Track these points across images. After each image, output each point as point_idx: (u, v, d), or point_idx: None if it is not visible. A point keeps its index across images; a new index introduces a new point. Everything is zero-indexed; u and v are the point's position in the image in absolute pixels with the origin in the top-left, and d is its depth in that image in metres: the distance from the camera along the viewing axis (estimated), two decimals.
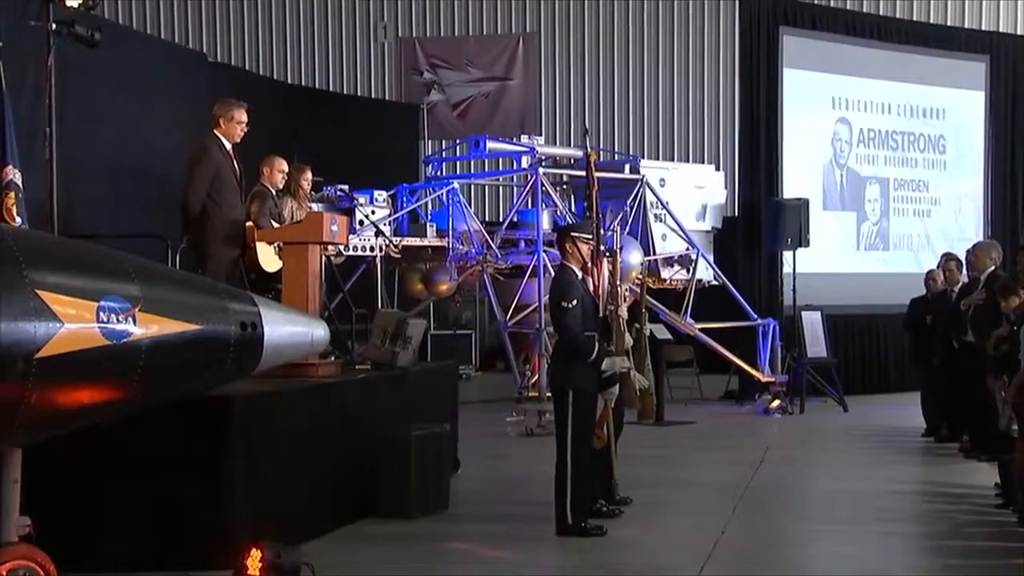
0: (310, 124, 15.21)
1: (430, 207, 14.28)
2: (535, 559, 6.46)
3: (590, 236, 6.90)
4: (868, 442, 11.18)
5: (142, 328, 4.60)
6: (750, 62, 14.95)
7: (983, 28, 17.32)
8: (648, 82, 17.88)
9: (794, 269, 14.09)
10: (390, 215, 13.21)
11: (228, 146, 8.21)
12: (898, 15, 17.22)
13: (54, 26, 8.29)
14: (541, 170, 13.63)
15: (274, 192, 9.20)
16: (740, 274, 14.77)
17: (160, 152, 11.70)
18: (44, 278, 4.34)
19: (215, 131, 8.23)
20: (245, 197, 8.50)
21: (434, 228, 13.70)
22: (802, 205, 14.31)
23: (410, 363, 8.08)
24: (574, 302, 6.62)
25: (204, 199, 8.01)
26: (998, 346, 7.81)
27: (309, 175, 9.84)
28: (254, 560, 5.25)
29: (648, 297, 12.33)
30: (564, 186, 14.96)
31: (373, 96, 18.40)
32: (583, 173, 11.21)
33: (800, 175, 15.13)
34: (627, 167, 14.41)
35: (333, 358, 7.84)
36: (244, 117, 8.22)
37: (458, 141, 16.01)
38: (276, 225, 8.69)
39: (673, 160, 16.94)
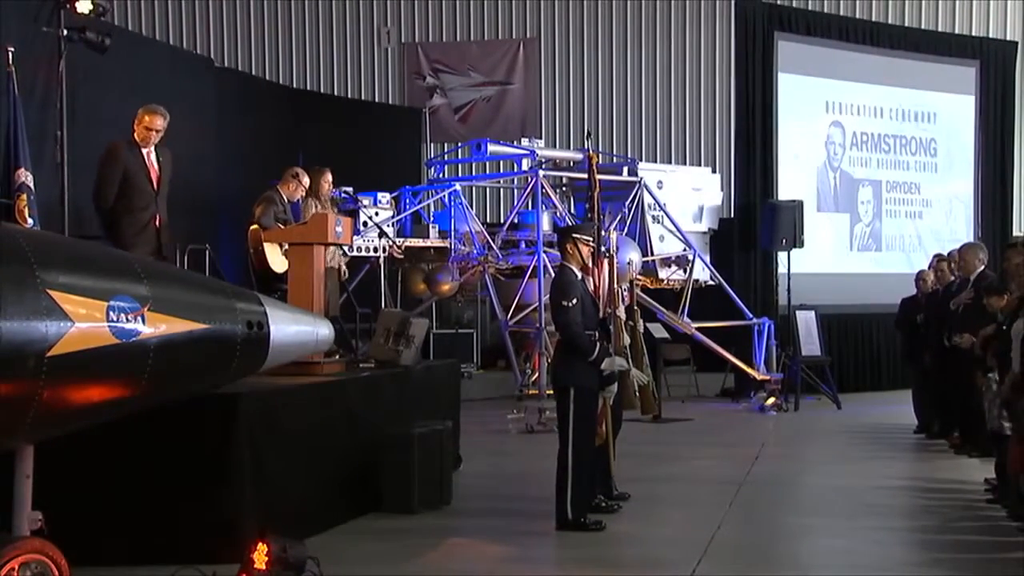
0: (315, 128, 15.21)
1: (432, 209, 14.42)
2: (535, 553, 6.52)
3: (590, 238, 6.98)
4: (861, 438, 11.24)
5: (151, 327, 4.68)
6: (746, 67, 15.01)
7: (973, 34, 17.31)
8: (646, 86, 17.91)
9: (789, 269, 14.19)
10: (393, 216, 13.34)
11: (144, 149, 8.12)
12: (890, 21, 17.19)
13: (65, 32, 8.42)
14: (541, 172, 13.72)
15: (288, 201, 9.27)
16: (736, 274, 14.82)
17: None
18: (55, 278, 4.41)
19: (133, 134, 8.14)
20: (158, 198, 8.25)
21: (436, 229, 13.81)
22: (796, 207, 14.39)
23: (413, 361, 8.15)
24: (574, 301, 6.68)
25: (112, 201, 7.98)
26: (985, 345, 7.90)
27: (329, 176, 9.91)
28: (260, 554, 5.26)
29: (644, 295, 12.53)
30: (564, 188, 15.02)
31: (377, 100, 18.37)
32: (583, 175, 11.32)
33: (795, 177, 15.21)
34: (625, 170, 14.44)
35: (338, 356, 7.92)
36: (158, 124, 8.08)
37: (460, 144, 16.02)
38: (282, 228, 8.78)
39: (670, 163, 16.91)
